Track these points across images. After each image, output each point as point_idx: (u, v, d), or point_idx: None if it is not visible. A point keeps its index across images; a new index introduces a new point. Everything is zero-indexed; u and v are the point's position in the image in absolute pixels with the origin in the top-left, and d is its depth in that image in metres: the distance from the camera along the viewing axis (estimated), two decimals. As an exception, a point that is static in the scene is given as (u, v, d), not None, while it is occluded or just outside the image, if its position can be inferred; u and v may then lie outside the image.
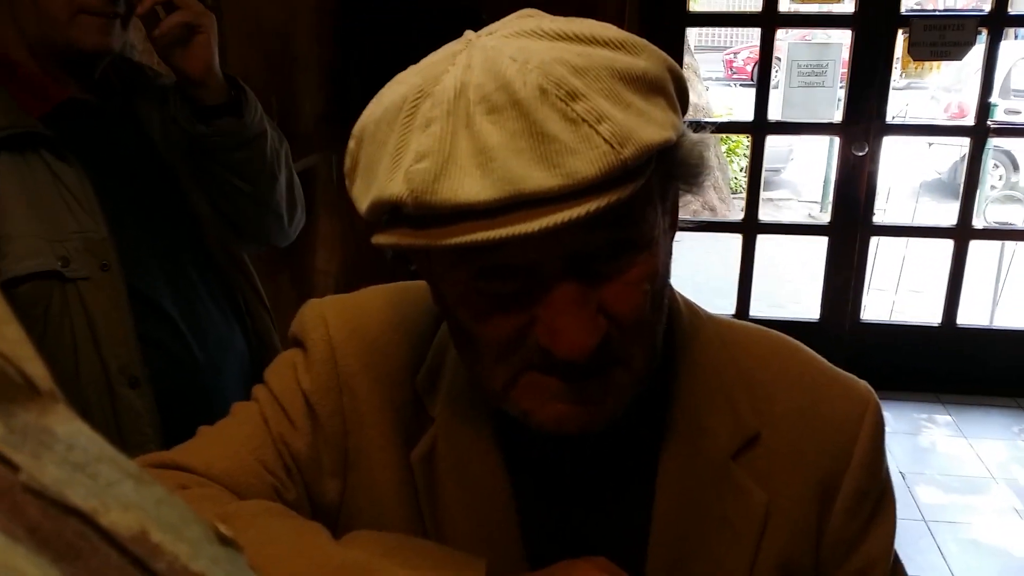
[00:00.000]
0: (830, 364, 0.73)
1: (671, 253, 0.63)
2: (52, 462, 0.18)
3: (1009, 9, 3.40)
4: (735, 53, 15.26)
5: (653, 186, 0.57)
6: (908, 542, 2.70)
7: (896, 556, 0.72)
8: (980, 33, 3.31)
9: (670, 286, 0.67)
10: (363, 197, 0.57)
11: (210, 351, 1.30)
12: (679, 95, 0.59)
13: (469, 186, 0.50)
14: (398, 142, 0.54)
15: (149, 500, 0.19)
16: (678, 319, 0.69)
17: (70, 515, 0.17)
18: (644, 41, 0.57)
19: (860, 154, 3.44)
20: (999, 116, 5.20)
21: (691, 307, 0.72)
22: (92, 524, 0.17)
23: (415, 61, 0.59)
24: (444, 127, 0.52)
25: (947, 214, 4.79)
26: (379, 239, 0.56)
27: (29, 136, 1.13)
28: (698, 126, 0.62)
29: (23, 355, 0.19)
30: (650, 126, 0.53)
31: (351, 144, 0.60)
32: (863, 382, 0.72)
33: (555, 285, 0.55)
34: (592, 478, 0.68)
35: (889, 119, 3.55)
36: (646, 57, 0.56)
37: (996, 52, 3.40)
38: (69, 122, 1.19)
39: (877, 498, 0.70)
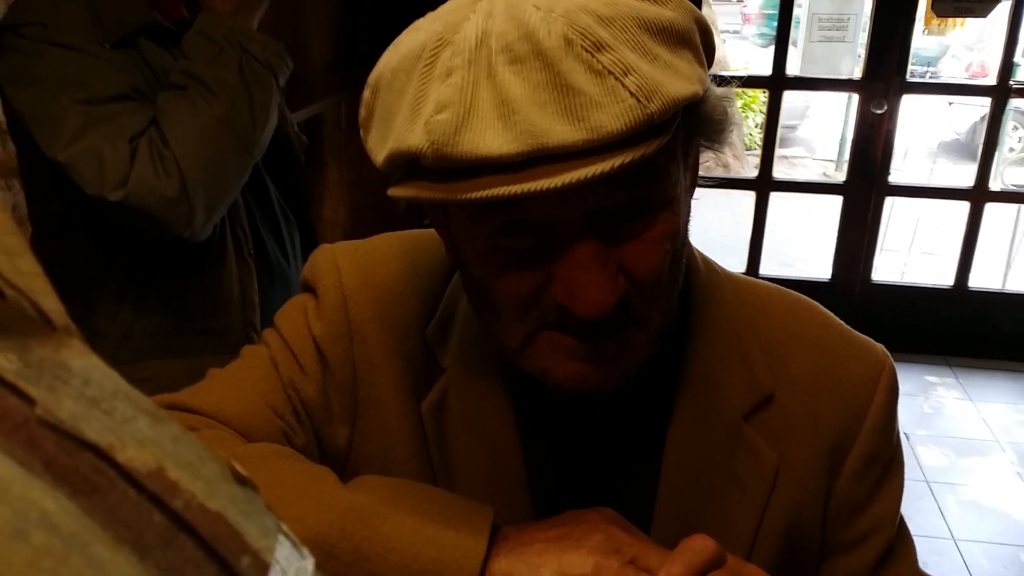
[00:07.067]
0: (848, 326, 0.72)
1: (690, 211, 0.62)
2: (68, 396, 0.18)
3: (1039, -35, 3.31)
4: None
5: (677, 142, 0.56)
6: (908, 502, 2.69)
7: (901, 518, 0.72)
8: (1008, -11, 3.23)
9: (689, 244, 0.66)
10: (379, 149, 0.56)
11: (273, 286, 1.42)
12: (705, 48, 0.57)
13: (491, 139, 0.49)
14: (417, 92, 0.52)
15: (165, 437, 0.19)
16: (696, 276, 0.69)
17: (86, 450, 0.17)
18: None
19: (879, 112, 3.38)
20: (1022, 76, 5.09)
21: (709, 264, 0.71)
22: (108, 459, 0.17)
23: (425, 4, 0.58)
24: (465, 77, 0.50)
25: (964, 175, 4.73)
26: (396, 192, 0.55)
27: (165, 31, 1.27)
28: (721, 80, 0.61)
29: (38, 289, 0.19)
30: (677, 79, 0.51)
31: (366, 93, 0.58)
32: (880, 345, 0.71)
33: (575, 243, 0.54)
34: (603, 432, 0.68)
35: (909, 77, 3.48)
36: (673, 7, 0.54)
37: (1022, 10, 3.32)
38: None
39: (887, 462, 0.70)
